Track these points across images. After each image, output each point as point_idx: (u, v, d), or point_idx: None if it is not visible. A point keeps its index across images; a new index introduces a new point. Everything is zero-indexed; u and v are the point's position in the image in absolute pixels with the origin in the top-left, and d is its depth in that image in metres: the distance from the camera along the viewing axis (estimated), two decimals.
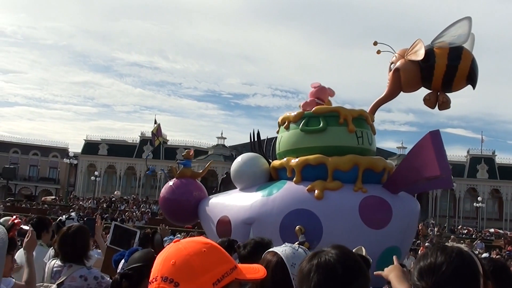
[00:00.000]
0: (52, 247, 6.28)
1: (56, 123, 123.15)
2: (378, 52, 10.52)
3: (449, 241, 30.09)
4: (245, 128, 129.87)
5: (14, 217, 9.39)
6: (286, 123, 10.17)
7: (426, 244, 23.36)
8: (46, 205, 47.85)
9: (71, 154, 60.49)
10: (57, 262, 5.19)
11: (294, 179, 9.69)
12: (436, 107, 10.33)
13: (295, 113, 10.14)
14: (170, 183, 10.90)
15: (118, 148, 73.15)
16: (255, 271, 2.13)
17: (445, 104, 10.19)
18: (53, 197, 60.40)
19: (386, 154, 63.13)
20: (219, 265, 1.98)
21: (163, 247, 3.62)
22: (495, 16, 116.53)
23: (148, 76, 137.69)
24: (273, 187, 9.78)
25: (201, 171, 11.90)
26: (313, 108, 9.98)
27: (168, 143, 70.71)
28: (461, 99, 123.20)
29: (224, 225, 9.85)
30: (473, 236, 40.51)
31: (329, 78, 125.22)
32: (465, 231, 45.13)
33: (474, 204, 53.87)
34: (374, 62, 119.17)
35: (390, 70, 10.45)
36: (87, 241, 5.42)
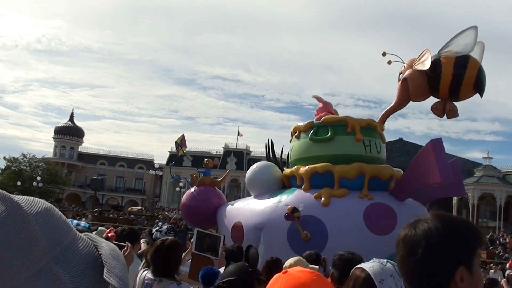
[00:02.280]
0: (143, 257, 6.26)
1: (141, 136, 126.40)
2: (389, 62, 10.82)
3: None
4: None
5: (108, 230, 10.12)
6: (297, 132, 10.61)
7: None
8: (132, 215, 48.89)
9: (156, 166, 61.91)
10: (148, 274, 5.17)
11: (303, 186, 10.10)
12: (445, 115, 10.49)
13: (305, 123, 10.56)
14: (192, 190, 11.52)
15: (202, 160, 73.96)
16: None
17: (452, 113, 10.36)
18: (139, 207, 61.06)
19: (471, 164, 61.86)
20: None
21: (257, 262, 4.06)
22: None
23: (231, 89, 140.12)
24: (283, 194, 10.21)
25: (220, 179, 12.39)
26: (322, 118, 10.36)
27: (251, 154, 71.79)
28: None
29: (237, 230, 10.35)
30: None
31: None
32: None
33: None
34: None
35: (399, 80, 10.70)
36: (180, 255, 5.46)
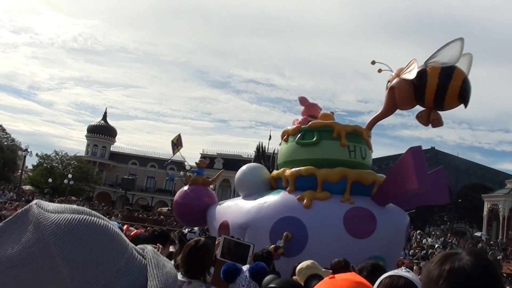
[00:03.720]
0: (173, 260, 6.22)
1: (173, 137, 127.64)
2: (379, 70, 11.05)
3: None
4: None
5: (126, 226, 10.48)
6: (286, 136, 10.94)
7: None
8: (162, 216, 49.75)
9: (187, 167, 62.11)
10: (178, 275, 4.97)
11: (288, 188, 10.42)
12: (430, 124, 10.68)
13: (294, 127, 10.88)
14: (184, 188, 11.95)
15: (233, 163, 74.28)
16: None
17: (436, 122, 10.55)
18: (169, 208, 61.21)
19: (503, 176, 61.23)
20: None
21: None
22: None
23: (264, 93, 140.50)
24: (269, 196, 10.55)
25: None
26: (310, 123, 10.67)
27: None
28: None
29: (224, 228, 10.69)
30: None
31: None
32: None
33: None
34: (494, 81, 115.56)
35: (387, 88, 10.94)
36: (212, 257, 5.50)
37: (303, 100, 11.47)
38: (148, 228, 20.74)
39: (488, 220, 57.34)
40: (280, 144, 11.26)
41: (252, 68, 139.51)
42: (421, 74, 10.39)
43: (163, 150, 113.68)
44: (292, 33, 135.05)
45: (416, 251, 30.74)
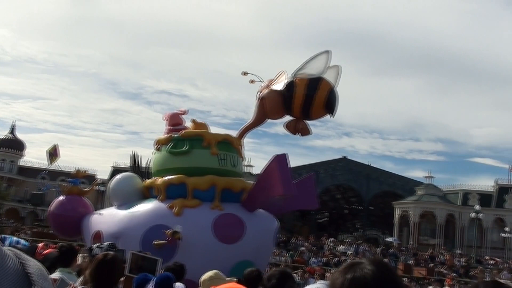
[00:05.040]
0: (81, 275, 6.07)
1: (84, 150, 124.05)
2: (252, 81, 11.37)
3: (476, 271, 30.23)
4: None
5: (41, 244, 10.06)
6: (159, 145, 11.07)
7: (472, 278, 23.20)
8: None
9: (99, 181, 61.21)
10: None
11: (160, 197, 10.55)
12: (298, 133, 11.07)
13: (166, 136, 11.03)
14: (60, 199, 11.85)
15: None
16: None
17: (304, 131, 10.97)
18: None
19: (413, 183, 63.21)
20: None
21: None
22: None
23: (177, 104, 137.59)
24: (141, 204, 10.63)
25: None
26: (182, 132, 10.86)
27: None
28: (490, 128, 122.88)
29: (97, 238, 10.67)
30: (500, 266, 39.71)
31: (359, 107, 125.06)
32: (492, 262, 44.22)
33: (501, 234, 52.92)
34: (403, 92, 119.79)
35: (257, 98, 11.26)
36: (121, 271, 5.35)
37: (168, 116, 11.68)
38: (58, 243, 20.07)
39: (399, 226, 59.11)
40: (153, 153, 11.36)
41: (165, 79, 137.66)
42: (289, 85, 10.77)
43: (74, 164, 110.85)
44: (206, 44, 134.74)
45: (329, 258, 31.35)
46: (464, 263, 37.59)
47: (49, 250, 9.42)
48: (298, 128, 10.96)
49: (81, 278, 5.76)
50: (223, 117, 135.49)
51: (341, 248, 39.16)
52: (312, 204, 11.42)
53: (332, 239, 43.71)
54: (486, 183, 64.29)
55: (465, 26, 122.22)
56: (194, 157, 10.65)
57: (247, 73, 11.37)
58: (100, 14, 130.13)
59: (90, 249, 7.31)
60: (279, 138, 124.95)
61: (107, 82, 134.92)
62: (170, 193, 10.49)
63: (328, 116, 11.07)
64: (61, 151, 15.50)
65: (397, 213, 58.78)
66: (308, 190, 11.20)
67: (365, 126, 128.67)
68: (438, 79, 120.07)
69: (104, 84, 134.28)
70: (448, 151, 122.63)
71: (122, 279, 5.63)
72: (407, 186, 63.79)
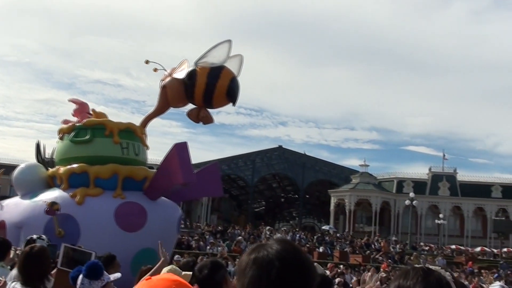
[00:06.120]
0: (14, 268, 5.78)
1: (18, 141, 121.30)
2: (155, 70, 11.48)
3: (411, 257, 30.91)
4: (208, 146, 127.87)
5: None
6: (62, 134, 11.08)
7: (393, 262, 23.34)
8: None
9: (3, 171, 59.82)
10: (17, 286, 4.85)
11: (62, 186, 10.58)
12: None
13: (69, 125, 11.05)
14: None
15: None
16: None
17: (206, 119, 11.19)
18: None
19: (348, 171, 64.20)
20: None
21: None
22: (460, 38, 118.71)
23: (112, 94, 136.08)
24: (44, 194, 10.64)
25: None
26: (84, 121, 10.89)
27: None
28: (424, 117, 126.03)
29: (1, 228, 10.64)
30: (435, 252, 40.89)
31: (297, 98, 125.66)
32: (427, 248, 45.41)
33: (436, 221, 53.76)
34: (342, 82, 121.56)
35: (160, 87, 11.40)
36: (49, 263, 5.32)
37: (74, 101, 11.65)
38: None
39: (335, 214, 60.30)
40: (57, 142, 11.36)
41: (99, 69, 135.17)
42: (191, 74, 10.96)
43: (8, 155, 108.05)
44: (140, 33, 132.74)
45: None
46: (399, 250, 38.65)
47: None
48: (200, 117, 11.17)
49: (13, 272, 5.60)
50: None
51: (277, 236, 39.63)
52: (217, 192, 11.68)
53: (269, 227, 44.26)
54: (420, 171, 66.15)
55: (401, 16, 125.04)
56: (96, 146, 10.75)
57: (149, 62, 11.47)
58: (33, 3, 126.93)
59: (32, 240, 7.27)
60: (215, 128, 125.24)
61: (41, 72, 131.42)
62: (72, 182, 10.56)
63: (230, 105, 11.29)
64: None
65: (333, 201, 60.09)
66: (213, 178, 11.45)
67: (301, 116, 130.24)
68: (375, 69, 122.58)
69: (38, 74, 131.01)
70: (383, 140, 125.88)
71: (53, 272, 5.61)
72: (343, 174, 65.09)
